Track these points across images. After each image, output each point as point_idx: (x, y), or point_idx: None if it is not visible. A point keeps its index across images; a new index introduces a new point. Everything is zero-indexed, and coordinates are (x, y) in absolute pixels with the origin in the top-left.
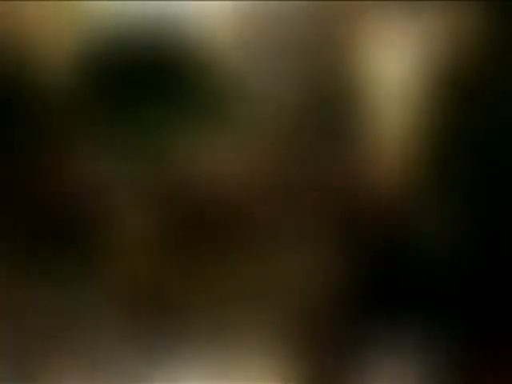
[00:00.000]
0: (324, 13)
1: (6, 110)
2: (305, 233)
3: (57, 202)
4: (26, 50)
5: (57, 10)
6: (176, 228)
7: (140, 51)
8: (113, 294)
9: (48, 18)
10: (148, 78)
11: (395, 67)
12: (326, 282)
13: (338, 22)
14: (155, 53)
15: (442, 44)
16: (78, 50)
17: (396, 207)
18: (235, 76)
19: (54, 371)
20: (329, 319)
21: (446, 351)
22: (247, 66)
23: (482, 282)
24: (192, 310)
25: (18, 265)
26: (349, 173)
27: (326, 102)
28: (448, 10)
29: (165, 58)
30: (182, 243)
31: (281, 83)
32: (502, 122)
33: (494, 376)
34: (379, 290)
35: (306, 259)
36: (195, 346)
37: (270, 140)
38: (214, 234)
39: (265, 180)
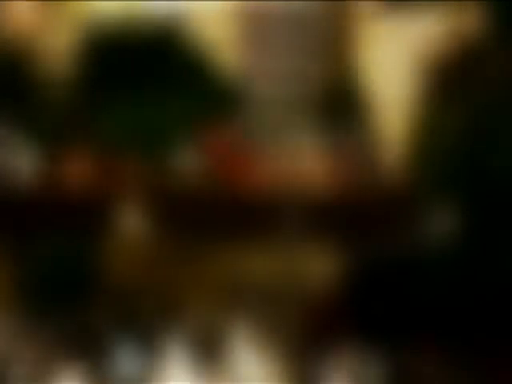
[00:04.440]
0: (325, 12)
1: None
2: (302, 234)
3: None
4: (30, 44)
5: (61, 8)
6: (170, 223)
7: (140, 47)
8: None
9: (50, 14)
10: (147, 74)
11: (396, 67)
12: (322, 282)
13: (339, 21)
14: (154, 49)
15: (443, 43)
16: (79, 45)
17: (396, 207)
18: (234, 74)
19: (53, 371)
20: (325, 319)
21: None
22: (245, 65)
23: (482, 289)
24: (180, 311)
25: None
26: (349, 173)
27: (326, 100)
28: (448, 9)
29: (165, 56)
30: (177, 240)
31: (280, 82)
32: (503, 121)
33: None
34: (375, 294)
35: (302, 259)
36: (190, 345)
37: (269, 137)
38: (208, 232)
39: (262, 179)
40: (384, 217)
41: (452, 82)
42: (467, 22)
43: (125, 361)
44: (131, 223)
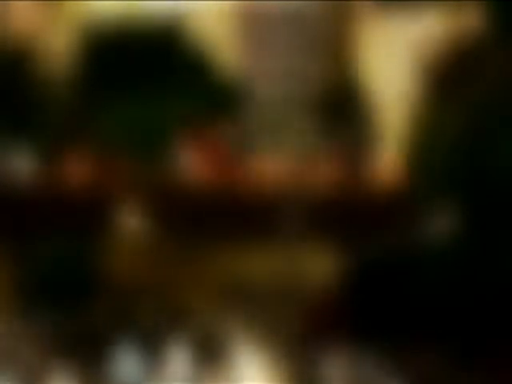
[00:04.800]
0: (324, 12)
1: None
2: (302, 234)
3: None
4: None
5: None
6: (171, 221)
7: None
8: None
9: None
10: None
11: (395, 66)
12: (320, 282)
13: (339, 21)
14: (155, 48)
15: (442, 43)
16: (81, 43)
17: (396, 209)
18: (233, 74)
19: (52, 372)
20: (324, 318)
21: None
22: (245, 65)
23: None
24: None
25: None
26: (349, 173)
27: (326, 99)
28: (448, 9)
29: (166, 55)
30: (177, 240)
31: (279, 81)
32: (502, 120)
33: None
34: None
35: (302, 259)
36: (188, 345)
37: (269, 137)
38: (208, 232)
39: (262, 179)
40: (384, 217)
41: (451, 81)
42: (467, 22)
43: (125, 360)
44: (131, 223)
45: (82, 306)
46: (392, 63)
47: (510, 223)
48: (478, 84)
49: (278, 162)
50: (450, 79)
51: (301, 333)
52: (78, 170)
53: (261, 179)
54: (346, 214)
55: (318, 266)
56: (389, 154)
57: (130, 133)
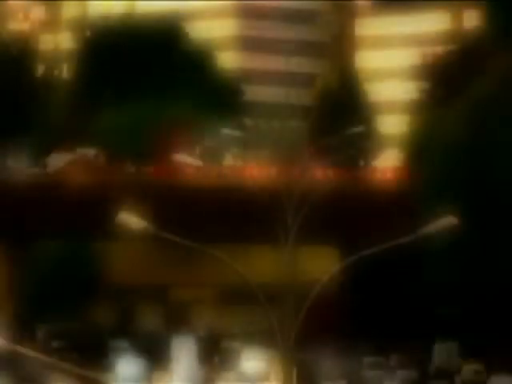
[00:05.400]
0: (324, 13)
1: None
2: (303, 234)
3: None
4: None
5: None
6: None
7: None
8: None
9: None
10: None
11: (395, 66)
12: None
13: (339, 21)
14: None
15: (442, 43)
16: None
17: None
18: (233, 74)
19: (53, 371)
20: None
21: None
22: (244, 64)
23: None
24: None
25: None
26: (349, 173)
27: (325, 100)
28: (447, 9)
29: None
30: (175, 238)
31: (278, 81)
32: (503, 120)
33: None
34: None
35: (302, 260)
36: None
37: (268, 137)
38: (208, 232)
39: (261, 179)
40: (384, 217)
41: (451, 81)
42: (467, 22)
43: (125, 359)
44: (131, 223)
45: (83, 306)
46: (392, 63)
47: (510, 223)
48: (477, 84)
49: (278, 162)
50: (450, 79)
51: (301, 333)
52: (78, 170)
53: (261, 179)
54: (346, 214)
55: (318, 266)
56: (389, 154)
57: (130, 133)
